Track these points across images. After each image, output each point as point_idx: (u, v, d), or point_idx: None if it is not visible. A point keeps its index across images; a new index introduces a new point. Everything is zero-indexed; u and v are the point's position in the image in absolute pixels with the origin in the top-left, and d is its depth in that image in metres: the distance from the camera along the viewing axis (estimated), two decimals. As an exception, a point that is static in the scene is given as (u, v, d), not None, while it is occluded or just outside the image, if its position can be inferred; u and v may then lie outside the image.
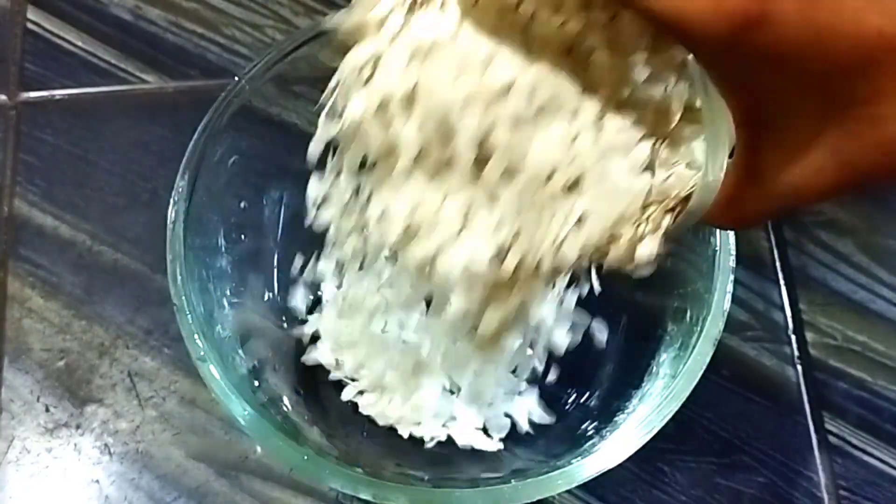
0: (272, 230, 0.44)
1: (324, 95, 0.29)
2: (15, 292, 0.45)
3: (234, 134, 0.40)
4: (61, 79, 0.50)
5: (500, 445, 0.42)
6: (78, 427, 0.43)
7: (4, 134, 0.49)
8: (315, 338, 0.43)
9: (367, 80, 0.28)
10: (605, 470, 0.35)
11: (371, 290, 0.39)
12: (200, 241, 0.39)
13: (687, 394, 0.36)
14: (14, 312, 0.45)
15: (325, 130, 0.30)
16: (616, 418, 0.39)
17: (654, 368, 0.40)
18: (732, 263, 0.38)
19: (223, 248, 0.42)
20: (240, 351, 0.40)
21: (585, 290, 0.41)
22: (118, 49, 0.51)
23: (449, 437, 0.42)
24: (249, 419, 0.35)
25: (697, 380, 0.36)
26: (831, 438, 0.44)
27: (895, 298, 0.47)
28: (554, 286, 0.37)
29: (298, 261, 0.42)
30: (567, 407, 0.42)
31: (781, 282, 0.47)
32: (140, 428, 0.43)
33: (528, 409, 0.42)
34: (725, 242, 0.38)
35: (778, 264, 0.47)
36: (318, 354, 0.43)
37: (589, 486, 0.37)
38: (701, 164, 0.27)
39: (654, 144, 0.28)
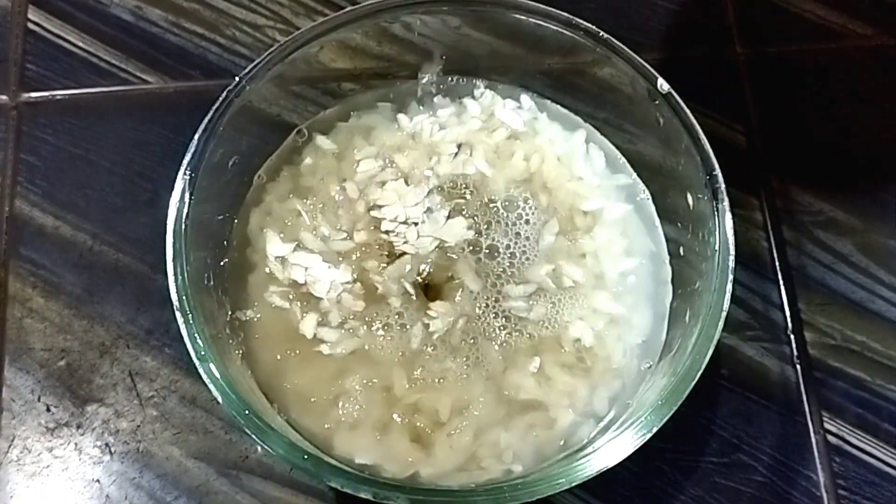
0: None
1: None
2: (16, 292, 0.45)
3: (234, 134, 0.41)
4: (62, 79, 0.50)
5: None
6: (79, 426, 0.43)
7: (5, 134, 0.49)
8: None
9: None
10: (605, 469, 0.35)
11: None
12: (201, 240, 0.39)
13: (686, 393, 0.36)
14: (15, 312, 0.45)
15: None
16: (616, 418, 0.40)
17: (654, 368, 0.40)
18: (732, 263, 0.38)
19: (223, 248, 0.42)
20: (240, 350, 0.40)
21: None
22: (119, 49, 0.51)
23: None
24: (249, 418, 0.35)
25: (697, 379, 0.36)
26: (830, 438, 0.44)
27: (894, 298, 0.47)
28: None
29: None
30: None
31: (780, 281, 0.47)
32: (141, 427, 0.43)
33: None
34: (725, 242, 0.38)
35: (777, 264, 0.47)
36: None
37: (589, 486, 0.37)
38: None
39: None
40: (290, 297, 0.41)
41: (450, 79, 0.46)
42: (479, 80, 0.46)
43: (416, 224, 0.42)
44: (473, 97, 0.46)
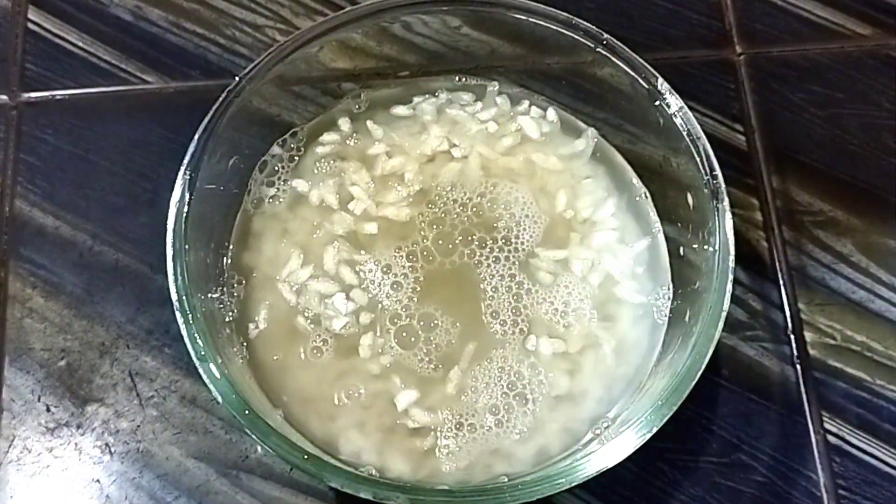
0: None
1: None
2: (16, 292, 0.45)
3: (234, 134, 0.41)
4: (62, 79, 0.50)
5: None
6: (79, 426, 0.43)
7: (5, 134, 0.49)
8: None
9: None
10: (605, 469, 0.35)
11: None
12: (201, 240, 0.39)
13: (686, 393, 0.36)
14: (15, 312, 0.45)
15: None
16: (616, 418, 0.40)
17: (654, 368, 0.40)
18: (732, 263, 0.38)
19: (224, 249, 0.42)
20: (240, 350, 0.40)
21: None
22: (119, 49, 0.51)
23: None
24: (250, 419, 0.35)
25: (697, 379, 0.36)
26: (830, 438, 0.44)
27: (894, 298, 0.47)
28: None
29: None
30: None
31: (781, 282, 0.47)
32: (141, 427, 0.43)
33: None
34: (725, 242, 0.38)
35: (777, 264, 0.47)
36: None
37: (589, 486, 0.37)
38: None
39: None
40: (323, 340, 0.41)
41: (457, 78, 0.46)
42: (488, 82, 0.46)
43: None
44: (490, 97, 0.46)
